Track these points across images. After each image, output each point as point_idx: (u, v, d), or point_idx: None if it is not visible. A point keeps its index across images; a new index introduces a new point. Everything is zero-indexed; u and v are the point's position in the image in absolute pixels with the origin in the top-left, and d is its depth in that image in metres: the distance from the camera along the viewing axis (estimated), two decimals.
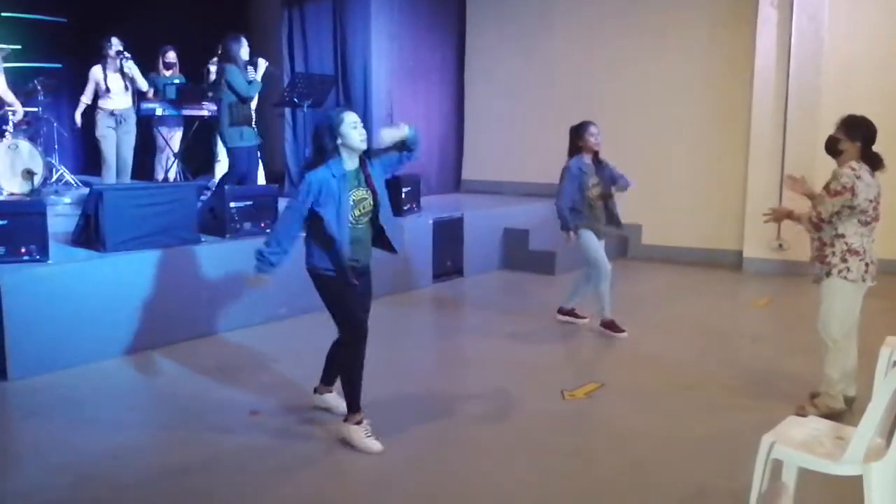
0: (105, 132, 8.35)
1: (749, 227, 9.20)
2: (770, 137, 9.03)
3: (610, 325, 6.49)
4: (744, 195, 9.23)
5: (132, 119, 8.53)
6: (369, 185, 4.29)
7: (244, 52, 7.55)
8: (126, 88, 8.46)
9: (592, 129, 6.49)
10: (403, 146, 4.42)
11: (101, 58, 8.42)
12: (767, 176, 8.97)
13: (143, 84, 8.63)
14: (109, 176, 8.38)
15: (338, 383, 4.58)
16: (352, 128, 4.20)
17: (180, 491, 3.81)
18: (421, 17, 10.52)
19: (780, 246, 8.97)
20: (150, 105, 9.29)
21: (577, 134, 6.53)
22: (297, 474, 4.00)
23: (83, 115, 8.80)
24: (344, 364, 4.44)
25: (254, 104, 7.90)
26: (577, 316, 6.86)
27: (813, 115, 8.49)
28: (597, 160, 6.57)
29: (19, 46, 10.41)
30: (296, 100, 8.09)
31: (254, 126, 7.77)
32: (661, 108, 9.83)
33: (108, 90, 8.31)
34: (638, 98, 9.97)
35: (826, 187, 4.55)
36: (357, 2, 9.83)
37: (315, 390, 4.78)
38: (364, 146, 4.26)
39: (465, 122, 11.42)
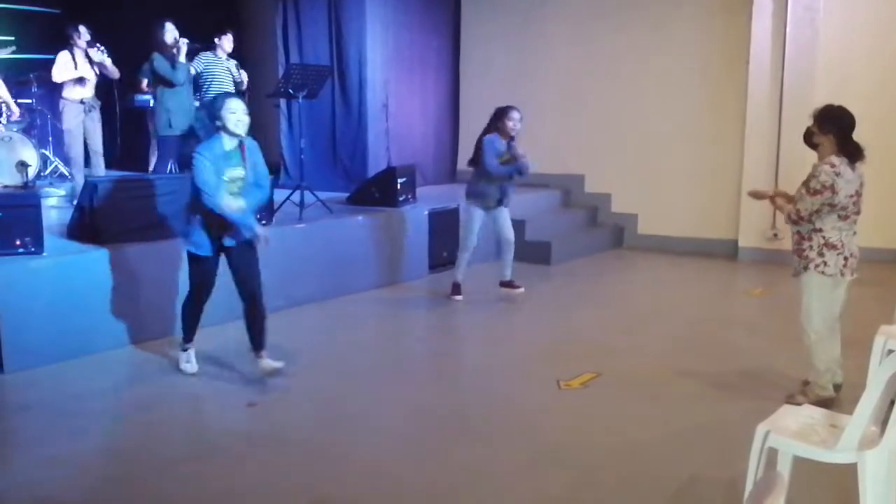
0: (73, 125, 8.01)
1: (744, 216, 9.22)
2: (765, 127, 9.03)
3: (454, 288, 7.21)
4: (739, 185, 9.23)
5: (98, 107, 8.29)
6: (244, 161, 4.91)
7: (168, 36, 7.74)
8: (95, 76, 8.23)
9: (514, 115, 6.88)
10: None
11: (68, 45, 8.19)
12: (763, 165, 8.98)
13: (115, 72, 8.34)
14: (77, 170, 8.06)
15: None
16: (230, 112, 4.78)
17: (176, 482, 3.81)
18: (416, 7, 10.48)
19: (776, 235, 8.99)
20: (145, 96, 9.24)
21: (499, 116, 6.94)
22: (294, 464, 4.00)
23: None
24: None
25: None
26: (513, 286, 7.23)
27: (808, 104, 8.26)
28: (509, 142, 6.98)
29: (12, 38, 10.37)
30: (291, 91, 8.05)
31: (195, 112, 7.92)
32: (656, 98, 9.82)
33: (80, 80, 8.06)
34: (633, 88, 9.96)
35: (805, 183, 4.51)
36: None
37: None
38: (239, 131, 4.83)
39: (461, 112, 11.38)
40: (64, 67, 8.02)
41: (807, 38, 8.75)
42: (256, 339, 5.11)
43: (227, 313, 6.35)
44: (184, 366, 5.27)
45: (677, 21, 9.69)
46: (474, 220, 7.08)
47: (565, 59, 10.44)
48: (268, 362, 5.08)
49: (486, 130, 6.97)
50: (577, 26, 10.37)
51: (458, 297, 7.20)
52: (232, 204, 4.79)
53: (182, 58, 7.81)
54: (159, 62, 7.67)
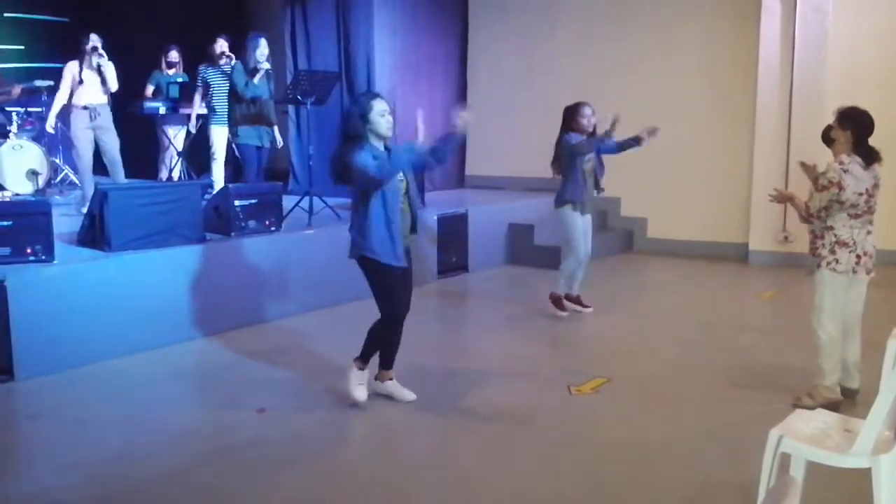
0: (80, 133, 8.02)
1: (755, 219, 9.18)
2: (775, 130, 8.99)
3: (556, 302, 6.77)
4: (749, 188, 9.20)
5: (108, 116, 8.22)
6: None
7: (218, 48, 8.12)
8: (102, 83, 8.25)
9: (586, 111, 6.64)
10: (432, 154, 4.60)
11: (78, 54, 8.24)
12: (773, 168, 8.93)
13: (112, 84, 8.31)
14: (86, 178, 8.10)
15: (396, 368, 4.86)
16: (380, 115, 4.43)
17: (188, 490, 3.81)
18: (423, 12, 10.49)
19: (786, 238, 8.95)
20: (154, 104, 9.28)
21: (571, 115, 6.68)
22: (306, 471, 4.00)
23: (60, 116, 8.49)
24: (379, 337, 4.72)
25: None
26: (582, 304, 6.93)
27: (817, 107, 8.43)
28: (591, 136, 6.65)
29: (22, 47, 10.44)
30: (299, 97, 8.08)
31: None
32: (664, 101, 9.79)
33: (81, 82, 8.02)
34: (641, 92, 9.93)
35: (815, 181, 4.53)
36: None
37: (376, 377, 4.85)
38: (390, 134, 4.49)
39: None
40: (64, 85, 8.09)
41: (816, 40, 8.71)
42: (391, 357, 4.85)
43: (235, 320, 6.39)
44: (356, 390, 4.75)
45: (686, 24, 9.67)
46: (574, 221, 6.63)
47: (573, 64, 10.42)
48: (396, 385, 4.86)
49: (563, 131, 6.68)
50: (585, 31, 10.36)
51: (566, 314, 6.79)
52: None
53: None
54: (238, 75, 7.77)
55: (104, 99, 8.13)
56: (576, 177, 6.59)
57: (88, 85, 8.02)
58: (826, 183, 4.43)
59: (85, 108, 8.00)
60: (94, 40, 8.10)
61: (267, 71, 7.86)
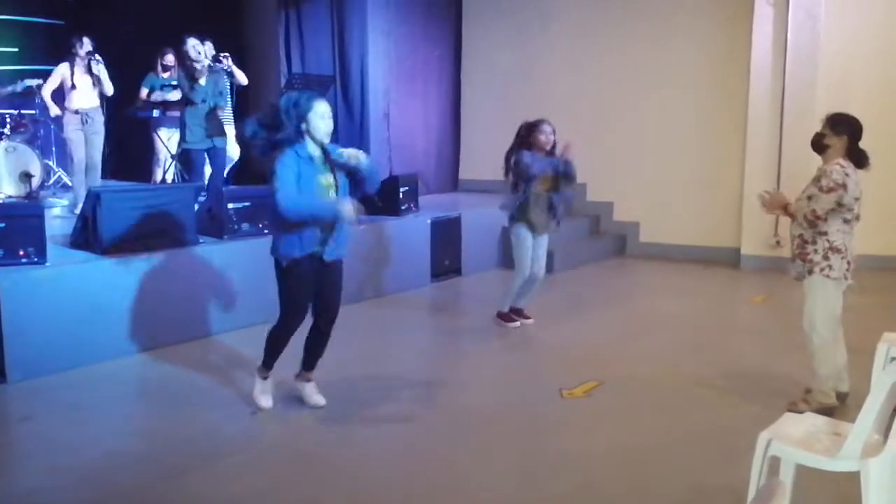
0: (73, 135, 8.04)
1: (746, 224, 9.21)
2: (767, 134, 9.03)
3: (503, 317, 6.65)
4: (741, 193, 9.24)
5: (100, 119, 8.19)
6: (333, 171, 4.45)
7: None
8: (94, 86, 8.23)
9: (545, 128, 6.38)
10: (356, 173, 4.53)
11: (70, 56, 8.23)
12: (764, 173, 8.97)
13: (108, 88, 8.31)
14: (77, 179, 8.08)
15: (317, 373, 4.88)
16: (320, 118, 4.36)
17: (179, 492, 3.81)
18: (417, 15, 10.52)
19: (778, 243, 8.98)
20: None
21: (529, 131, 6.40)
22: (297, 473, 4.00)
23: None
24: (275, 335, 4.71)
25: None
26: (523, 316, 6.78)
27: (809, 112, 8.46)
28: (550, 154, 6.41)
29: (16, 49, 10.41)
30: None
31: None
32: (657, 106, 9.83)
33: (73, 87, 8.01)
34: (634, 96, 9.97)
35: (816, 184, 4.53)
36: (353, 0, 9.83)
37: (296, 376, 4.91)
38: (328, 140, 4.43)
39: (462, 121, 11.41)
40: (51, 82, 8.06)
41: (808, 45, 8.75)
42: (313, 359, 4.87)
43: (227, 323, 6.39)
44: (262, 398, 4.83)
45: (679, 29, 9.71)
46: (524, 240, 6.51)
47: (567, 69, 10.46)
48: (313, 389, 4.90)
49: (517, 147, 6.40)
50: (579, 36, 10.39)
51: (516, 324, 6.67)
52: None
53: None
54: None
55: (96, 103, 8.13)
56: (526, 197, 6.35)
57: (81, 89, 8.02)
58: (832, 184, 4.44)
59: (77, 112, 7.99)
60: (88, 45, 8.09)
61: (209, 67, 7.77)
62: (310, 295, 4.61)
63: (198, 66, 7.54)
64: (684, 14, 9.67)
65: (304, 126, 4.34)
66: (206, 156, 7.71)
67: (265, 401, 4.79)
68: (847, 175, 4.44)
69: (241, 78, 8.43)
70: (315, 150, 4.42)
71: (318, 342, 4.79)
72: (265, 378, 4.82)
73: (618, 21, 10.08)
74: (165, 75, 9.60)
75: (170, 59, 9.60)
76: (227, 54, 8.21)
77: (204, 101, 7.54)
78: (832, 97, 7.88)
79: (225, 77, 8.16)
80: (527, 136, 6.41)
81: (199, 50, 7.60)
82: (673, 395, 5.09)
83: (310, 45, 10.17)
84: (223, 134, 7.85)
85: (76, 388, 5.13)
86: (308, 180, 4.34)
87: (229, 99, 8.49)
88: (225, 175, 8.10)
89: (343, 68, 9.97)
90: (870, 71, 8.63)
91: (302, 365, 4.87)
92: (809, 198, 4.53)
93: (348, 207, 4.30)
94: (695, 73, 9.65)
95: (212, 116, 7.65)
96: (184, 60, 7.65)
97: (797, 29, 8.78)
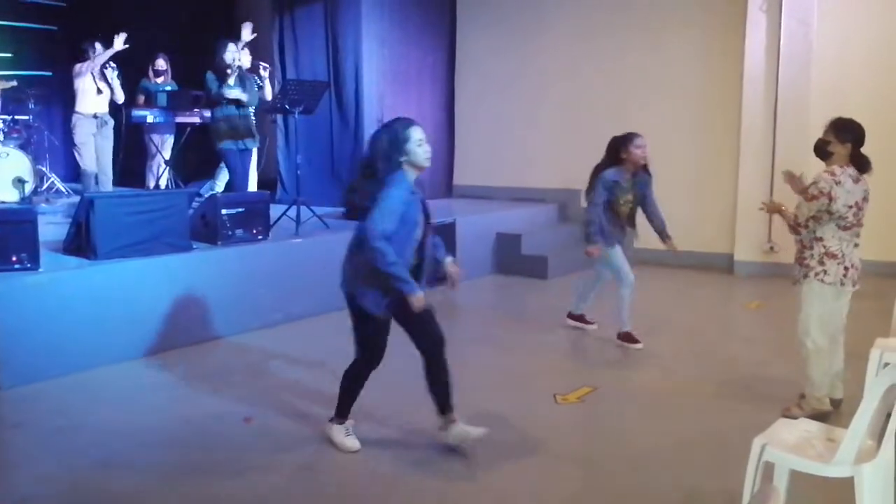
0: (85, 139, 8.15)
1: (740, 230, 9.23)
2: (760, 141, 9.06)
3: (626, 337, 6.33)
4: (735, 198, 9.26)
5: (111, 124, 8.35)
6: (425, 208, 4.11)
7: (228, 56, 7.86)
8: (109, 92, 8.31)
9: (639, 142, 6.08)
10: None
11: (83, 61, 8.29)
12: (758, 179, 9.00)
13: (119, 96, 8.40)
14: (89, 185, 8.19)
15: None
16: (417, 145, 4.00)
17: (173, 499, 3.79)
18: (411, 22, 10.53)
19: (772, 248, 9.00)
20: (141, 112, 9.27)
21: (620, 144, 6.10)
22: (292, 482, 3.98)
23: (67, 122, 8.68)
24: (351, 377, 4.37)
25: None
26: (585, 321, 6.82)
27: (802, 119, 8.51)
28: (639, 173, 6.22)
29: (10, 54, 10.40)
30: (287, 106, 8.07)
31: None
32: (650, 112, 9.84)
33: (98, 91, 8.11)
34: (628, 103, 9.98)
35: (803, 191, 4.55)
36: (348, 6, 9.83)
37: (440, 428, 4.33)
38: (429, 164, 4.08)
39: (456, 126, 11.42)
40: (85, 74, 8.15)
41: (801, 52, 8.78)
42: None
43: (221, 329, 6.37)
44: (348, 441, 4.34)
45: (672, 36, 9.73)
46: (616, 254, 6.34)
47: (561, 74, 10.48)
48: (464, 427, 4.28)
49: (607, 164, 6.16)
50: (573, 43, 10.41)
51: (639, 345, 6.28)
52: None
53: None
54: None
55: (107, 108, 8.30)
56: (606, 214, 6.20)
57: (98, 94, 8.16)
58: (816, 192, 4.44)
59: (95, 116, 8.14)
60: (101, 50, 8.26)
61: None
62: (388, 334, 4.25)
63: (229, 71, 7.75)
64: (677, 22, 9.70)
65: (403, 158, 3.98)
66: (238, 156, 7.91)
67: (352, 443, 4.30)
68: (837, 183, 4.41)
69: (268, 93, 8.59)
70: (412, 179, 4.03)
71: (438, 376, 4.30)
72: (343, 423, 4.35)
73: (611, 29, 10.11)
74: (158, 80, 9.60)
75: (161, 63, 9.62)
76: (267, 66, 8.31)
77: (230, 101, 7.75)
78: (825, 104, 7.89)
79: (256, 85, 8.26)
80: (619, 151, 6.10)
81: (235, 56, 7.84)
82: (667, 401, 5.09)
83: (304, 51, 10.17)
84: (253, 136, 8.02)
85: (68, 395, 5.10)
86: (412, 215, 3.98)
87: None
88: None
89: (337, 74, 9.97)
90: (863, 78, 8.66)
91: (439, 412, 4.31)
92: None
93: (421, 303, 3.99)
94: (688, 80, 9.67)
95: (242, 118, 7.82)
96: (217, 63, 7.80)
97: (790, 36, 8.81)
